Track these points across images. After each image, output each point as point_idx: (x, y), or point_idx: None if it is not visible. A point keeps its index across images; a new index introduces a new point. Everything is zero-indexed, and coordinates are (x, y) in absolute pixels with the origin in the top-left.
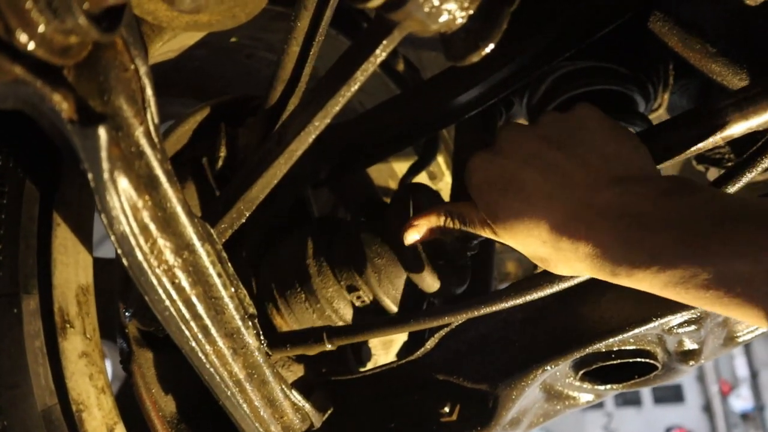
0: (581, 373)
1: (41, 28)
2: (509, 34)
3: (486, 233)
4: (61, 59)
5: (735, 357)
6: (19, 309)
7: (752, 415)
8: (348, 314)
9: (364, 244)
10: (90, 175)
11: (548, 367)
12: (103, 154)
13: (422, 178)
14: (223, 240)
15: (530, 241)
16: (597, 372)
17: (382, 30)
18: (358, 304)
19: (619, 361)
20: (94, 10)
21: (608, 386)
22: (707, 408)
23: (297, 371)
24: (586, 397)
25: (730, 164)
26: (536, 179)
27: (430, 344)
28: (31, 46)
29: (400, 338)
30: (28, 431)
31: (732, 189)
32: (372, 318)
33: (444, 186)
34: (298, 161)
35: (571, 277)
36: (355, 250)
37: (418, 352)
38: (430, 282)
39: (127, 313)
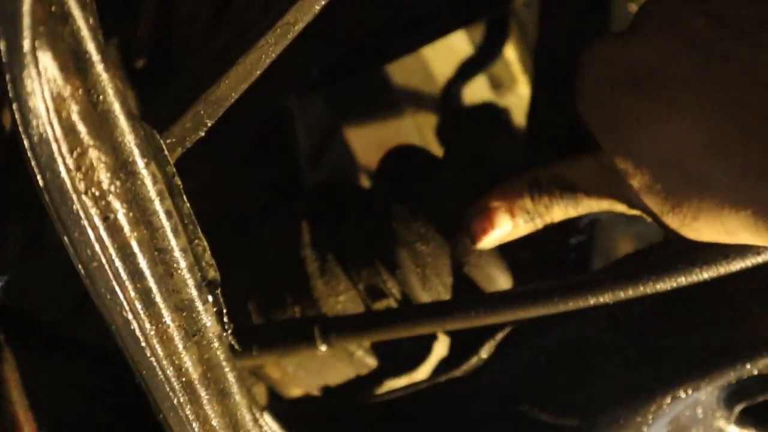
0: (739, 410)
1: None
2: None
3: (599, 201)
4: None
5: None
6: None
7: None
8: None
9: (395, 220)
10: (2, 45)
11: (682, 394)
12: (26, 8)
13: (480, 86)
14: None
15: (665, 172)
16: (764, 413)
17: None
18: None
19: None
20: None
21: None
22: None
23: (265, 393)
24: None
25: None
26: (692, 75)
27: (485, 352)
28: None
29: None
30: None
31: None
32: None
33: (516, 101)
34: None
35: (729, 256)
36: (380, 232)
37: (467, 365)
38: (502, 285)
39: None
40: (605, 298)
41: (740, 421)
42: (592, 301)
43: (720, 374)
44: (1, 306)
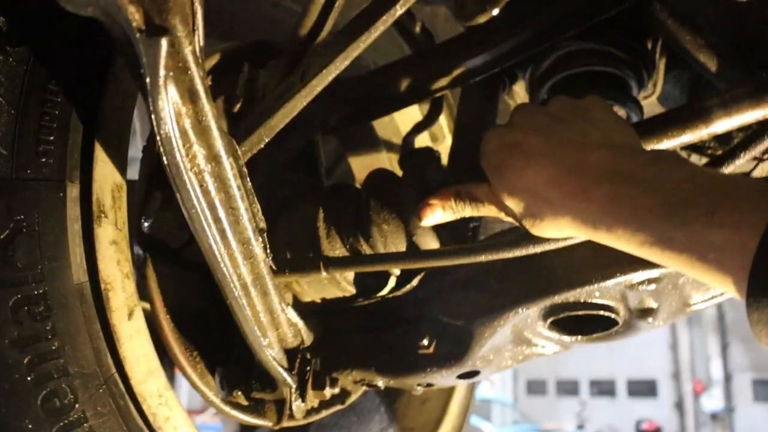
0: (549, 321)
1: None
2: (518, 8)
3: (490, 209)
4: None
5: (711, 359)
6: (64, 194)
7: (721, 416)
8: (351, 275)
9: (372, 211)
10: (148, 80)
11: (520, 310)
12: (162, 62)
13: (424, 137)
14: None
15: (525, 197)
16: (564, 324)
17: None
18: None
19: (584, 312)
20: None
21: (573, 338)
22: (679, 405)
23: (290, 299)
24: (551, 347)
25: (710, 151)
26: (539, 143)
27: (415, 282)
28: None
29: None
30: (64, 299)
31: None
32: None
33: (444, 149)
34: (310, 107)
35: (547, 241)
36: (363, 217)
37: (404, 289)
38: (432, 246)
39: (145, 224)
40: (485, 258)
41: (549, 327)
42: (480, 258)
43: (541, 300)
44: (148, 238)
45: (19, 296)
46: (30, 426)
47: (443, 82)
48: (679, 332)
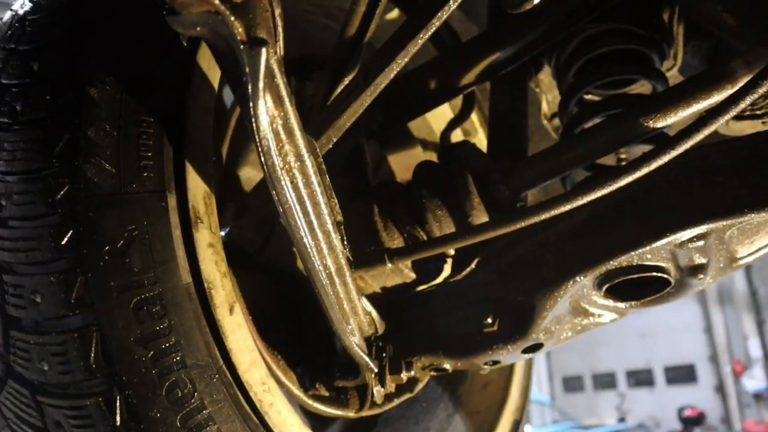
0: (605, 288)
1: None
2: None
3: None
4: None
5: (749, 337)
6: (166, 204)
7: (765, 395)
8: (410, 262)
9: (425, 198)
10: (250, 86)
11: (578, 279)
12: (263, 68)
13: (457, 134)
14: None
15: None
16: (618, 291)
17: None
18: None
19: (637, 276)
20: None
21: (628, 303)
22: (720, 388)
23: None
24: (608, 315)
25: (761, 111)
26: None
27: (474, 264)
28: None
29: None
30: (176, 298)
31: None
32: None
33: (477, 142)
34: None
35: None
36: (416, 206)
37: (464, 272)
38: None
39: (221, 233)
40: (536, 219)
41: (604, 295)
42: (532, 220)
43: (596, 267)
44: (225, 246)
45: (139, 298)
46: (158, 415)
47: (474, 77)
48: (713, 313)
